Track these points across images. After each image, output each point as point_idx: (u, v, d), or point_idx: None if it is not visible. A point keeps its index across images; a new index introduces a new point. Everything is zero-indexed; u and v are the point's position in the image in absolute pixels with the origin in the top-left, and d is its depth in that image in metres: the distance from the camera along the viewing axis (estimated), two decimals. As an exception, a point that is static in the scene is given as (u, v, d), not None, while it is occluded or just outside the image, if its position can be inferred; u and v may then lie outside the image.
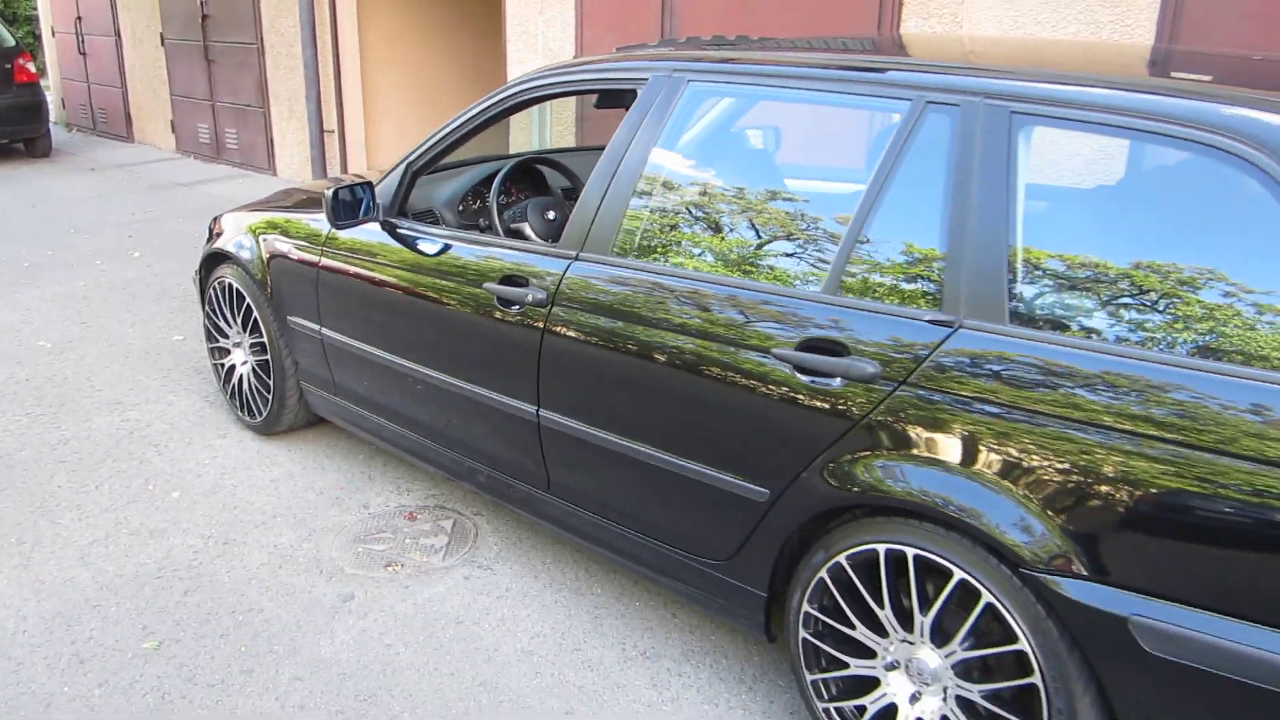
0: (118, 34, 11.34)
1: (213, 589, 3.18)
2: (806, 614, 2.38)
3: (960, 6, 4.79)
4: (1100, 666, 1.93)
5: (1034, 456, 1.95)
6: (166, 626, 2.99)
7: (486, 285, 2.95)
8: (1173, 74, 2.37)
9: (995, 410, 2.00)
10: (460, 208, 3.62)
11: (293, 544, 3.45)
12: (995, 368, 2.02)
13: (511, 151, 7.02)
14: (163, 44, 10.67)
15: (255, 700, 2.69)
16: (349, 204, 3.32)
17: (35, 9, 13.84)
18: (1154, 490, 1.83)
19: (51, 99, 13.30)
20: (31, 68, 10.31)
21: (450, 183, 3.66)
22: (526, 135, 7.00)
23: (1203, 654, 1.80)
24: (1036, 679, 2.01)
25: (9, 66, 10.11)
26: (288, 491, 3.80)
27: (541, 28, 6.71)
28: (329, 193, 3.26)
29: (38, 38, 14.35)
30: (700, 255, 2.58)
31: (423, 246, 3.24)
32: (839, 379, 2.21)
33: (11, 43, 10.39)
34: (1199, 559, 1.81)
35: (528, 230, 3.44)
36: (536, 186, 3.80)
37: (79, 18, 12.00)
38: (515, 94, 3.12)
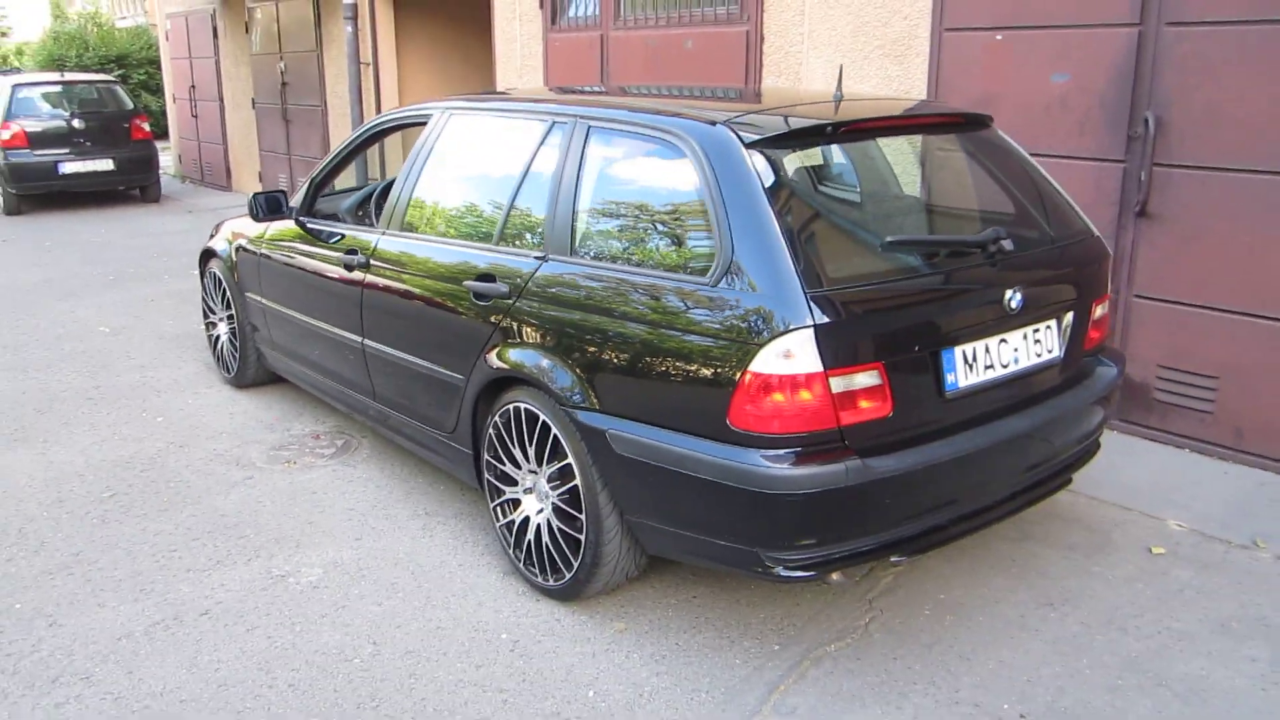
0: (221, 100, 13.37)
1: (161, 470, 4.56)
2: (487, 461, 3.58)
3: (800, 67, 5.98)
4: (600, 467, 3.08)
5: (574, 336, 3.14)
6: (122, 487, 4.37)
7: (340, 256, 4.28)
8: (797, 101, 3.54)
9: (557, 309, 3.20)
10: (359, 212, 4.98)
11: (227, 449, 4.80)
12: (560, 284, 3.23)
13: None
14: (254, 107, 12.60)
15: (160, 524, 4.02)
16: (268, 207, 4.71)
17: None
18: (617, 349, 3.00)
19: (171, 155, 15.50)
20: (146, 126, 12.36)
21: (352, 195, 5.04)
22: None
23: (642, 450, 2.94)
24: (578, 481, 3.16)
25: (127, 125, 12.17)
26: (239, 420, 5.18)
27: (521, 87, 8.14)
28: (250, 197, 4.67)
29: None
30: (442, 225, 3.86)
31: (315, 234, 4.60)
32: (490, 298, 3.44)
33: (130, 106, 12.49)
34: (638, 390, 2.97)
35: (398, 227, 4.75)
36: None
37: (193, 86, 14.14)
38: (369, 129, 4.51)
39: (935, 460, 2.86)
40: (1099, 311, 3.45)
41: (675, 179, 3.06)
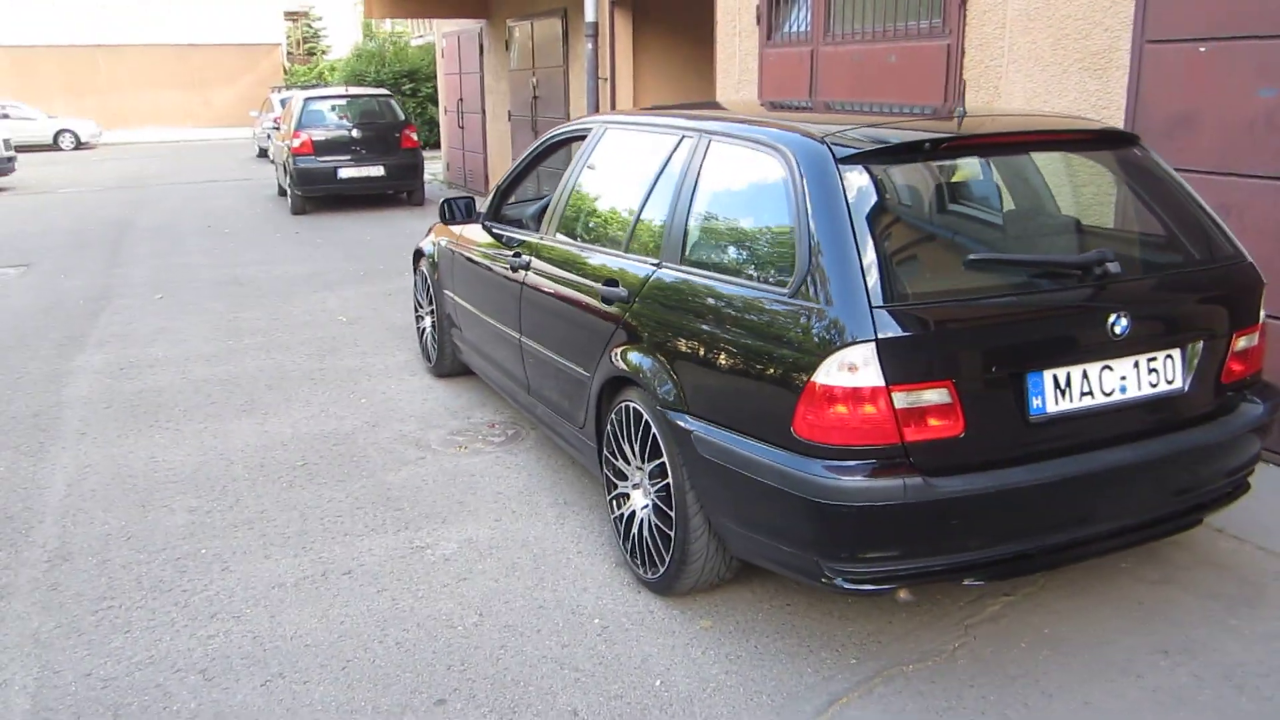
0: (483, 112, 14.41)
1: (350, 445, 5.08)
2: (605, 456, 3.78)
3: (999, 81, 5.79)
4: (688, 468, 3.21)
5: (674, 339, 3.29)
6: (313, 458, 4.92)
7: (509, 258, 4.63)
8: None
9: (661, 314, 3.36)
10: (541, 218, 5.32)
11: (412, 431, 5.28)
12: (666, 289, 3.38)
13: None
14: (509, 119, 13.51)
15: (335, 492, 4.51)
16: (456, 210, 5.14)
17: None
18: (703, 354, 3.12)
19: (441, 163, 16.82)
20: (414, 136, 13.53)
21: (536, 204, 5.39)
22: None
23: (720, 453, 3.05)
24: (671, 479, 3.30)
25: (398, 135, 13.38)
26: (429, 406, 5.67)
27: (735, 99, 8.30)
28: (441, 201, 5.12)
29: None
30: (585, 231, 4.10)
31: (497, 237, 4.98)
32: (613, 301, 3.64)
33: (402, 117, 13.72)
34: (719, 395, 3.08)
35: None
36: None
37: (460, 99, 15.32)
38: (546, 141, 4.84)
39: (1012, 485, 2.78)
40: (1242, 343, 3.19)
41: (773, 191, 3.14)
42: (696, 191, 3.44)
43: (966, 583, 2.90)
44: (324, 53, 39.11)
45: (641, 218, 3.72)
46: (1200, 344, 3.09)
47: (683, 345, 3.24)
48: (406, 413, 5.55)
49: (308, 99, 13.52)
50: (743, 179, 3.38)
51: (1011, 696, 2.94)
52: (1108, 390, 2.93)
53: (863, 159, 2.96)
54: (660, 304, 3.40)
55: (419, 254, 6.20)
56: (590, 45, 10.37)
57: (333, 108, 13.53)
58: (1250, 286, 3.21)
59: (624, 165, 4.17)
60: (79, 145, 29.06)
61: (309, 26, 40.74)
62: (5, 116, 26.86)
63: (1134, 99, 5.01)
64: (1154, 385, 3.00)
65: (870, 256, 2.76)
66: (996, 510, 2.81)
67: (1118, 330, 2.88)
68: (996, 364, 2.80)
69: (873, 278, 2.72)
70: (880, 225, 2.89)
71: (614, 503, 3.76)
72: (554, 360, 4.15)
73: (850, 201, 2.85)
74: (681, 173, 3.55)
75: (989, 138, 3.25)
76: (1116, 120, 5.08)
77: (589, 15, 10.23)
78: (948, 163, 3.25)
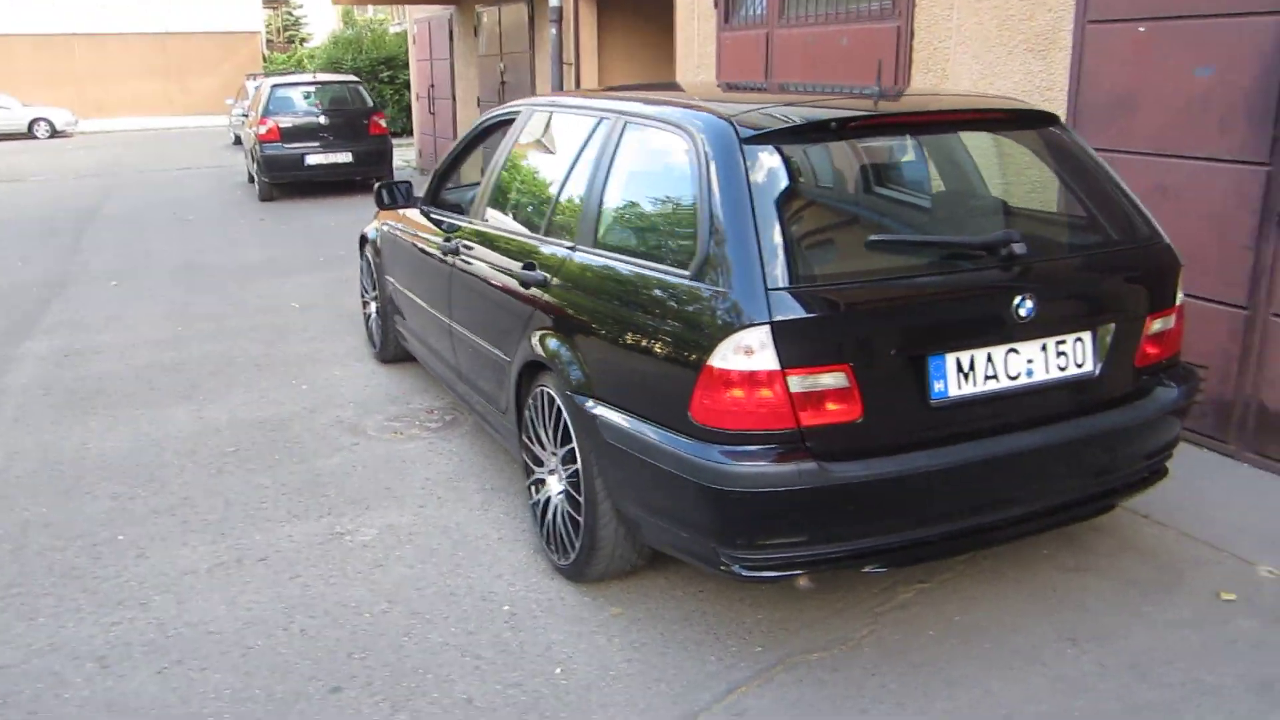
0: (454, 98, 14.30)
1: (285, 431, 5.02)
2: (523, 441, 3.73)
3: (947, 64, 5.74)
4: (596, 453, 3.15)
5: (583, 322, 3.23)
6: (246, 443, 4.86)
7: (440, 243, 4.56)
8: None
9: (572, 297, 3.31)
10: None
11: (350, 417, 5.22)
12: (578, 272, 3.33)
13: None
14: (479, 105, 13.41)
15: (263, 479, 4.45)
16: (396, 194, 5.08)
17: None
18: (608, 338, 3.07)
19: (414, 150, 16.70)
20: (382, 123, 13.41)
21: (475, 188, 5.32)
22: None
23: (622, 437, 3.00)
24: (580, 464, 3.25)
25: (366, 122, 13.26)
26: (369, 392, 5.60)
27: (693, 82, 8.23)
28: (375, 186, 5.05)
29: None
30: (509, 215, 4.05)
31: (436, 221, 4.91)
32: (530, 285, 3.58)
33: (370, 104, 13.59)
34: (623, 379, 3.03)
35: (509, 216, 5.00)
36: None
37: (431, 85, 15.21)
38: (479, 125, 4.77)
39: (911, 471, 2.74)
40: (1157, 326, 3.15)
41: (680, 172, 3.08)
42: (611, 173, 3.38)
43: (867, 570, 2.85)
44: (303, 41, 38.83)
45: (560, 200, 3.67)
46: (1112, 326, 3.04)
47: (591, 328, 3.19)
48: (346, 398, 5.49)
49: (275, 85, 13.37)
50: (653, 160, 3.32)
51: (912, 685, 2.90)
52: (1013, 374, 2.88)
53: (768, 139, 2.91)
54: (573, 287, 3.34)
55: (364, 239, 6.13)
56: (554, 30, 10.29)
57: (302, 95, 13.39)
58: (1167, 268, 3.17)
59: (546, 149, 4.11)
60: (54, 134, 28.79)
61: (289, 14, 40.47)
62: (-20, 104, 26.60)
63: (1076, 80, 4.97)
64: (1063, 369, 2.96)
65: (771, 238, 2.71)
66: (895, 496, 2.77)
67: (1023, 312, 2.83)
68: (896, 347, 2.75)
69: (771, 259, 2.67)
70: (783, 206, 2.83)
71: (531, 488, 3.72)
72: (479, 345, 4.10)
73: (753, 182, 2.80)
74: (598, 155, 3.49)
75: (899, 117, 3.20)
76: (1059, 102, 5.04)
77: (553, 0, 10.14)
78: (864, 143, 3.19)
